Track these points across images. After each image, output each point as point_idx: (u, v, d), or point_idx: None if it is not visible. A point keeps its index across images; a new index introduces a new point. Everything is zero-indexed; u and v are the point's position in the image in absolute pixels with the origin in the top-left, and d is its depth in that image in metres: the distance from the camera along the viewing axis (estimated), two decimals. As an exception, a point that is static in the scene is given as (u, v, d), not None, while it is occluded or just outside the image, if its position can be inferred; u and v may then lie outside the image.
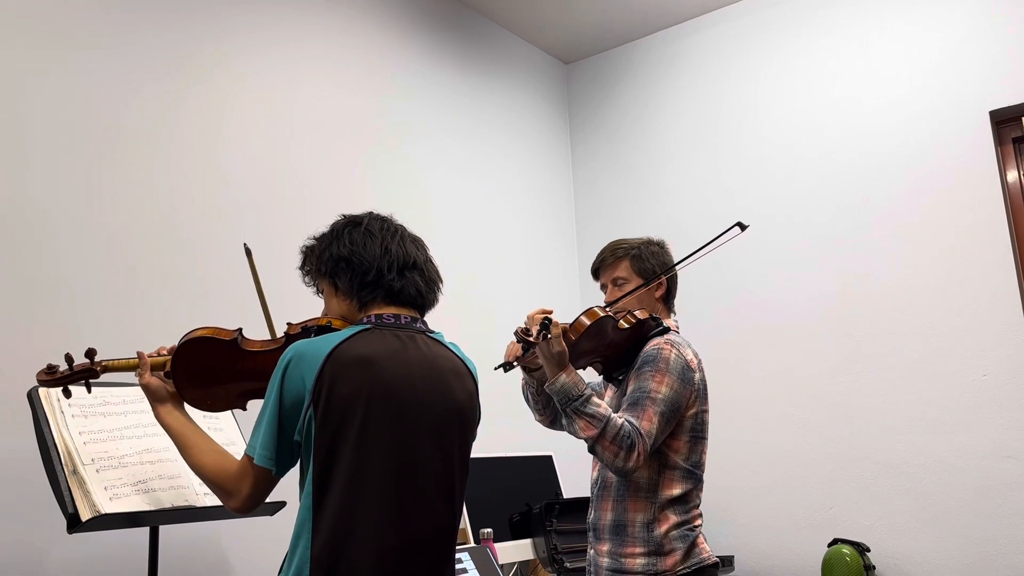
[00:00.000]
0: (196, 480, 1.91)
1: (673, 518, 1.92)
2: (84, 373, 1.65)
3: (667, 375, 1.93)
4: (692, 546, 1.91)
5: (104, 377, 1.71)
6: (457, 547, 2.51)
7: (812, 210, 3.48)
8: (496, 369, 2.06)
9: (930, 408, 3.10)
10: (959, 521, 2.99)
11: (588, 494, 2.24)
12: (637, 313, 2.03)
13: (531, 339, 1.84)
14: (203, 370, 1.60)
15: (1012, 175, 3.17)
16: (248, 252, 1.84)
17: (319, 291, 1.66)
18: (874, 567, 3.06)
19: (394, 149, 3.27)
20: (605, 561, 1.96)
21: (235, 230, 2.62)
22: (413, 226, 3.62)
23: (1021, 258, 3.08)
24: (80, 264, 2.26)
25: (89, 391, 1.71)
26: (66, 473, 1.72)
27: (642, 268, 2.13)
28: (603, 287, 2.20)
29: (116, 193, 2.37)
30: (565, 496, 3.22)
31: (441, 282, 1.70)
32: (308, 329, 1.59)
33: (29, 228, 2.17)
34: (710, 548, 1.99)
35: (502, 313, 3.61)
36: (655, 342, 1.99)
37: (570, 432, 1.91)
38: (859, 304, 3.30)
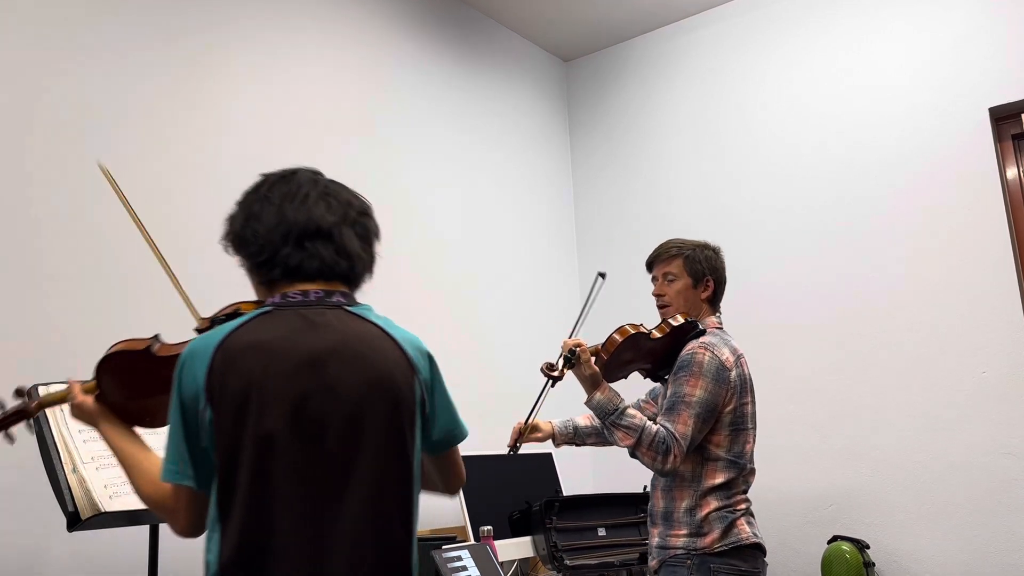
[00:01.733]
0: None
1: (714, 503, 2.08)
2: (18, 415, 1.55)
3: (701, 378, 2.09)
4: (730, 526, 2.07)
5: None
6: (457, 544, 2.52)
7: (811, 207, 3.47)
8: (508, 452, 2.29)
9: (930, 405, 3.10)
10: (959, 518, 2.99)
11: (586, 492, 2.50)
12: (671, 321, 2.19)
13: (555, 373, 2.07)
14: (129, 386, 1.48)
15: (1012, 172, 3.17)
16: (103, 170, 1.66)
17: None
18: (874, 564, 3.06)
19: (393, 147, 3.27)
20: (656, 541, 2.15)
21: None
22: (413, 224, 3.62)
23: (1021, 255, 3.08)
24: (80, 262, 2.26)
25: (31, 430, 1.63)
26: (66, 471, 1.73)
27: (693, 269, 2.28)
28: (653, 279, 2.37)
29: (110, 191, 2.37)
30: (565, 494, 3.22)
31: (372, 242, 1.46)
32: (215, 320, 1.44)
33: (27, 227, 2.17)
34: (752, 531, 2.11)
35: (502, 311, 3.61)
36: (690, 346, 2.15)
37: (612, 442, 2.10)
38: (859, 301, 3.30)
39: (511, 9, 3.84)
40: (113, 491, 1.76)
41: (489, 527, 2.76)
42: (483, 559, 2.54)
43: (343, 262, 1.40)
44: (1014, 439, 2.93)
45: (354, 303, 1.41)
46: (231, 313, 1.44)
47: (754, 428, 2.19)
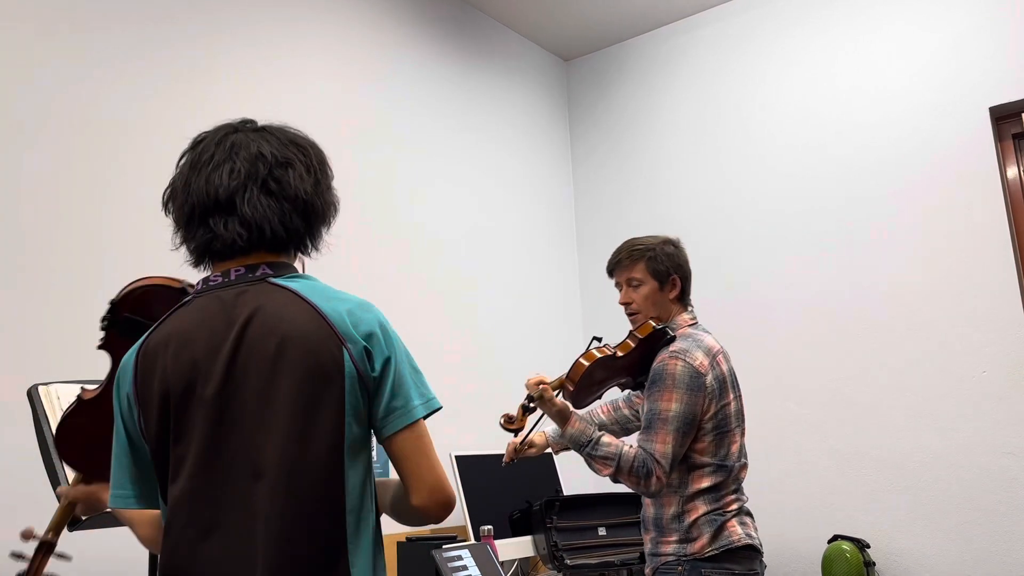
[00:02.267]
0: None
1: (702, 508, 2.02)
2: (45, 549, 1.52)
3: (675, 391, 2.01)
4: (720, 529, 2.01)
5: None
6: (457, 544, 2.52)
7: (810, 206, 3.47)
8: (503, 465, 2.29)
9: (930, 404, 3.10)
10: (959, 517, 2.99)
11: (587, 492, 2.46)
12: (637, 334, 2.11)
13: (514, 427, 2.04)
14: (91, 452, 1.42)
15: (1012, 171, 3.17)
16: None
17: None
18: (874, 563, 3.06)
19: (393, 145, 3.27)
20: (648, 547, 2.12)
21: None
22: (413, 223, 3.62)
23: (1021, 255, 3.08)
24: (81, 261, 2.26)
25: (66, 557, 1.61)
26: (66, 471, 1.72)
27: (657, 270, 2.18)
28: (617, 285, 2.26)
29: (118, 190, 2.37)
30: (565, 493, 3.22)
31: (290, 197, 1.26)
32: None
33: (28, 226, 2.17)
34: (744, 532, 2.04)
35: (501, 310, 3.61)
36: (660, 357, 2.08)
37: (594, 471, 2.05)
38: (858, 300, 3.30)
39: (511, 8, 3.84)
40: (113, 490, 1.75)
41: (489, 526, 2.76)
42: (483, 559, 2.54)
43: (246, 232, 1.23)
44: (1014, 439, 2.93)
45: (283, 272, 1.26)
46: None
47: (740, 424, 2.10)
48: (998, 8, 3.16)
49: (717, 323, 3.62)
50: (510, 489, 3.02)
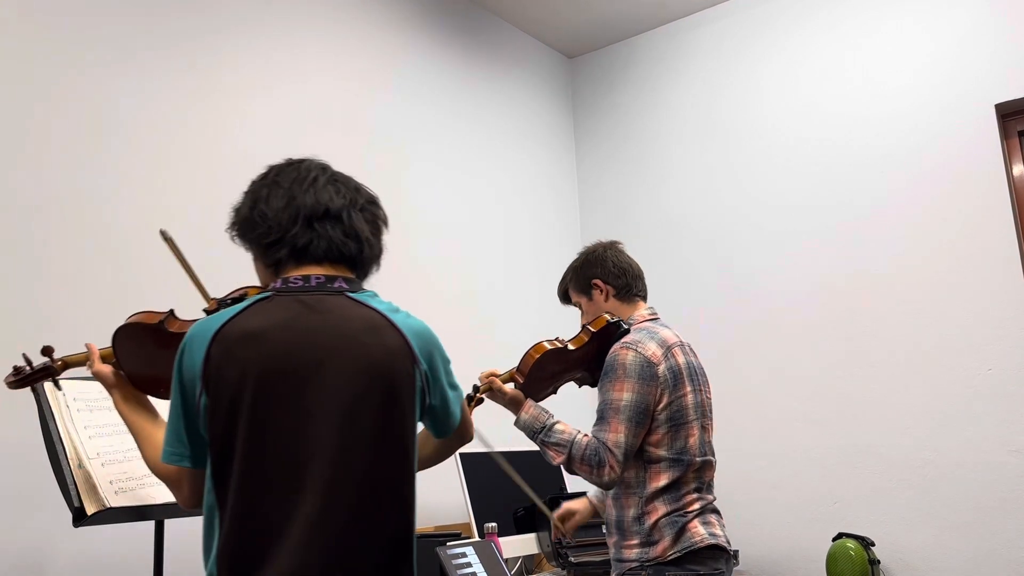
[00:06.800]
0: (201, 474, 1.91)
1: (662, 508, 1.98)
2: (44, 372, 1.60)
3: (625, 380, 2.00)
4: (682, 531, 1.97)
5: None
6: (462, 541, 2.52)
7: (816, 203, 3.47)
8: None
9: (935, 402, 3.09)
10: (963, 515, 2.98)
11: (591, 489, 2.42)
12: (590, 327, 2.12)
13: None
14: (142, 358, 1.52)
15: (1018, 169, 3.16)
16: (166, 238, 1.69)
17: None
18: (879, 561, 3.06)
19: (398, 143, 3.27)
20: (612, 552, 2.07)
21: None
22: (416, 221, 3.63)
23: (1027, 252, 3.07)
24: (83, 258, 2.26)
25: (58, 387, 1.69)
26: (72, 467, 1.73)
27: (580, 286, 2.25)
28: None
29: (119, 189, 2.37)
30: (569, 491, 3.22)
31: (380, 227, 1.46)
32: (223, 303, 1.44)
33: (32, 223, 2.17)
34: (708, 532, 1.99)
35: (506, 307, 3.61)
36: (613, 348, 2.08)
37: (547, 460, 2.03)
38: (864, 298, 3.30)
39: (516, 6, 3.84)
40: (119, 486, 1.76)
41: (493, 524, 2.76)
42: (488, 556, 2.54)
43: (352, 244, 1.39)
44: (1020, 436, 2.93)
45: (357, 289, 1.39)
46: (238, 297, 1.44)
47: (700, 418, 2.05)
48: (1004, 5, 3.14)
49: (720, 319, 3.62)
50: (514, 487, 3.02)
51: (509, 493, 2.99)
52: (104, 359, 1.55)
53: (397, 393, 1.33)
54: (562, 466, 2.00)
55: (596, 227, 4.10)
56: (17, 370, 1.61)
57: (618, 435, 1.96)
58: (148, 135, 2.47)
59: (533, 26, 4.02)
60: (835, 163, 3.44)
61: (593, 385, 2.22)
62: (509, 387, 2.07)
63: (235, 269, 2.58)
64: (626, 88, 4.11)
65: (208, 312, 1.43)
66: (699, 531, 1.98)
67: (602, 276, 2.21)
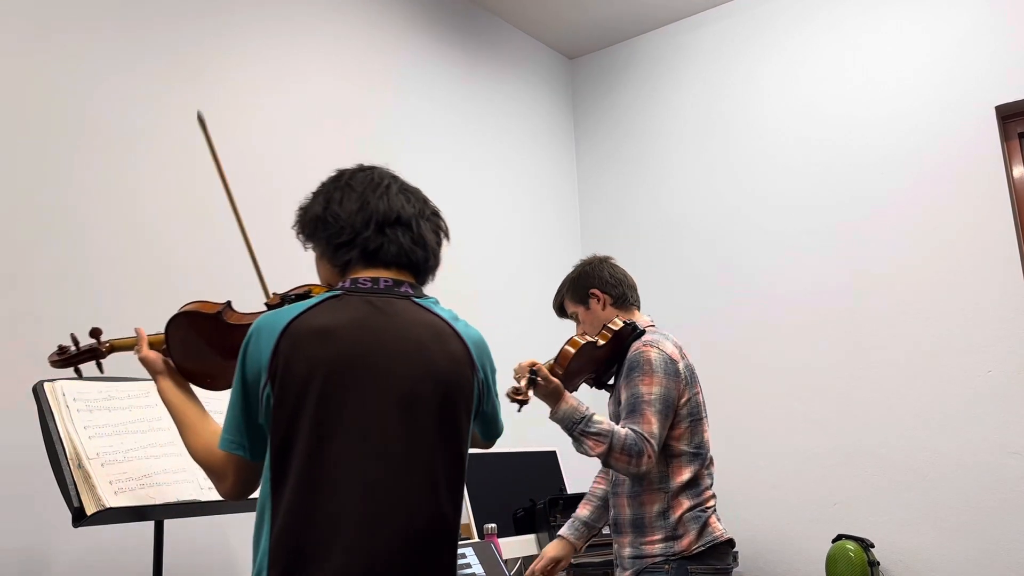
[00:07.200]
0: (201, 475, 1.92)
1: (686, 503, 2.05)
2: (90, 353, 1.61)
3: (654, 375, 2.08)
4: (704, 526, 2.05)
5: (109, 371, 1.70)
6: (460, 542, 2.52)
7: (817, 204, 3.47)
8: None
9: (935, 404, 3.09)
10: (963, 517, 2.98)
11: (563, 528, 2.43)
12: (611, 326, 2.18)
13: (522, 397, 1.99)
14: (194, 347, 1.52)
15: (1018, 170, 3.16)
16: (202, 121, 1.68)
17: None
18: (878, 563, 3.06)
19: (398, 144, 3.27)
20: (627, 551, 2.10)
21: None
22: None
23: (1027, 254, 3.08)
24: (86, 259, 2.26)
25: (101, 371, 1.70)
26: (71, 467, 1.73)
27: (577, 297, 2.31)
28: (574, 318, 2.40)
29: (123, 188, 2.37)
30: (569, 491, 3.22)
31: (441, 239, 1.50)
32: (286, 298, 1.46)
33: (33, 224, 2.17)
34: (723, 527, 2.11)
35: (505, 308, 3.61)
36: (635, 347, 2.15)
37: (581, 452, 2.03)
38: (864, 299, 3.30)
39: (516, 7, 3.84)
40: (118, 487, 1.76)
41: (493, 525, 2.76)
42: (487, 557, 2.54)
43: (419, 251, 1.43)
44: (1020, 438, 2.93)
45: (421, 295, 1.44)
46: (302, 293, 1.46)
47: (707, 417, 2.19)
48: (1005, 7, 3.14)
49: (720, 319, 3.62)
50: (514, 488, 3.02)
51: (509, 494, 2.99)
52: (152, 345, 1.55)
53: (457, 399, 1.37)
54: (599, 457, 2.00)
55: (596, 227, 4.10)
56: (62, 349, 1.62)
57: (652, 426, 2.02)
58: (143, 138, 2.47)
59: (533, 27, 4.02)
60: (835, 164, 3.44)
61: (598, 387, 2.28)
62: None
63: (241, 266, 2.59)
64: (626, 89, 4.11)
65: (270, 307, 1.46)
66: (718, 527, 2.08)
67: (600, 286, 2.28)
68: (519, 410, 2.12)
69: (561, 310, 2.38)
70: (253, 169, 2.73)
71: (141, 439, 1.89)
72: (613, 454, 1.99)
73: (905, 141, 3.29)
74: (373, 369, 1.31)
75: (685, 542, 2.02)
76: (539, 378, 2.01)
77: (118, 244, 2.34)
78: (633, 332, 2.19)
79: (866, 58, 3.43)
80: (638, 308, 2.33)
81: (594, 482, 2.42)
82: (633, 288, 2.33)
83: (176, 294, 2.43)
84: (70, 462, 1.73)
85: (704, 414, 2.16)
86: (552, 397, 2.06)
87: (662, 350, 2.12)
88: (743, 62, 3.76)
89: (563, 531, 2.36)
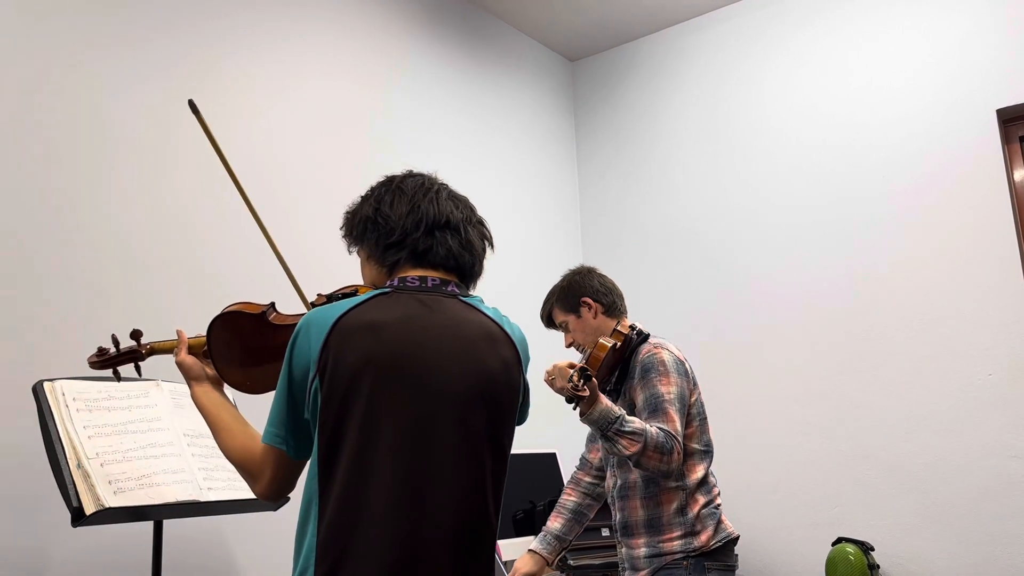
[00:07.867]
0: (200, 475, 1.92)
1: (701, 499, 2.10)
2: (129, 355, 1.61)
3: (670, 375, 2.12)
4: (719, 522, 2.11)
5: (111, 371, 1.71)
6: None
7: (816, 207, 3.47)
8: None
9: (935, 407, 3.09)
10: (964, 520, 2.98)
11: (534, 541, 2.40)
12: (619, 329, 2.21)
13: (580, 394, 1.95)
14: (237, 348, 1.51)
15: (1019, 174, 3.16)
16: (193, 107, 1.68)
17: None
18: (878, 566, 3.05)
19: (400, 146, 3.27)
20: (642, 551, 2.10)
21: (245, 227, 2.62)
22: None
23: (1028, 257, 3.07)
24: (85, 260, 2.27)
25: (139, 373, 1.71)
26: (70, 467, 1.73)
27: (568, 305, 2.33)
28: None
29: (123, 190, 2.38)
30: (569, 493, 3.21)
31: (486, 246, 1.55)
32: (332, 297, 1.48)
33: (33, 225, 2.18)
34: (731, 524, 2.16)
35: (507, 311, 3.61)
36: (645, 349, 2.18)
37: (613, 453, 2.03)
38: (865, 302, 3.29)
39: (518, 9, 3.84)
40: (118, 487, 1.76)
41: (492, 526, 2.75)
42: (486, 558, 2.54)
43: (466, 255, 1.48)
44: (1020, 441, 2.92)
45: (467, 294, 1.47)
46: (349, 293, 1.47)
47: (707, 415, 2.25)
48: (1006, 10, 3.14)
49: (720, 322, 3.62)
50: (513, 489, 3.02)
51: (508, 496, 2.99)
52: (192, 349, 1.56)
53: (504, 399, 1.40)
54: (632, 457, 1.98)
55: (597, 229, 4.10)
56: (102, 351, 1.62)
57: (676, 424, 2.05)
58: (143, 138, 2.47)
59: (535, 29, 4.03)
60: (836, 166, 3.44)
61: (603, 389, 2.25)
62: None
63: (248, 265, 2.59)
64: (628, 91, 4.12)
65: (316, 305, 1.46)
66: (729, 524, 2.14)
67: (591, 295, 2.31)
68: (575, 407, 2.05)
69: (549, 320, 2.40)
70: (252, 170, 2.73)
71: (140, 439, 1.89)
72: (647, 452, 1.98)
73: (906, 144, 3.29)
74: (422, 364, 1.32)
75: (704, 537, 2.06)
76: (591, 378, 1.99)
77: (118, 244, 2.34)
78: (639, 335, 2.23)
79: (867, 61, 3.43)
80: (626, 316, 2.35)
81: (564, 494, 2.41)
82: (621, 297, 2.35)
83: (176, 295, 2.43)
84: (69, 462, 1.73)
85: (706, 414, 2.22)
86: (590, 399, 2.05)
87: (671, 351, 2.17)
88: (745, 65, 3.76)
89: (535, 545, 2.35)
